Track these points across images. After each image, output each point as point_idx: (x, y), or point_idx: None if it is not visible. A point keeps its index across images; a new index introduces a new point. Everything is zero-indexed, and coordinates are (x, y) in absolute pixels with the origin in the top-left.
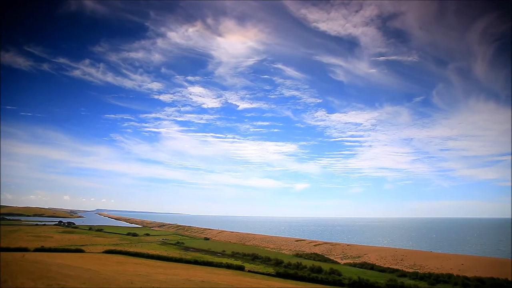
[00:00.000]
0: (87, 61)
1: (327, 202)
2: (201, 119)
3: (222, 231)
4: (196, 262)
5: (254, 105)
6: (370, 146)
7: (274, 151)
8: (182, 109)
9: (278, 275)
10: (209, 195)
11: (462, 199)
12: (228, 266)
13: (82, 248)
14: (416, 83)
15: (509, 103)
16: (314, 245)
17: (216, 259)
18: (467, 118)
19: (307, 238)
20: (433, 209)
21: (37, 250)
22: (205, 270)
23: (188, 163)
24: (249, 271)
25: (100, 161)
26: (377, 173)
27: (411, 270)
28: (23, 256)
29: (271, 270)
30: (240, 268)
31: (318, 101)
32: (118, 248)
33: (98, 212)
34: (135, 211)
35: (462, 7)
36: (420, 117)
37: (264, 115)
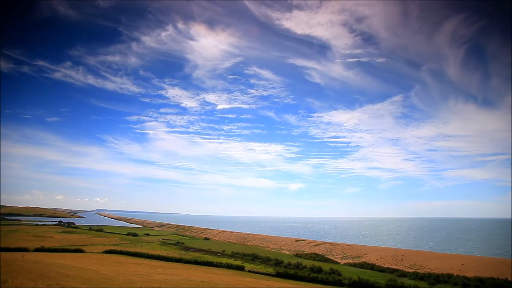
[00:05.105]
0: (68, 63)
1: (324, 202)
2: (183, 119)
3: (222, 231)
4: (196, 262)
5: (233, 105)
6: (357, 146)
7: (261, 151)
8: (163, 110)
9: (278, 275)
10: (206, 195)
11: (458, 199)
12: (228, 266)
13: (82, 248)
14: (394, 85)
15: (488, 105)
16: (314, 245)
17: (216, 259)
18: (450, 118)
19: (307, 238)
20: (429, 209)
21: (37, 250)
22: (205, 270)
23: (180, 163)
24: (249, 271)
25: (94, 162)
26: (369, 173)
27: (411, 270)
28: (23, 256)
29: (271, 270)
30: (240, 268)
31: (297, 102)
32: (118, 248)
33: (98, 212)
34: (135, 211)
35: (424, 12)
36: (403, 118)
37: (246, 116)
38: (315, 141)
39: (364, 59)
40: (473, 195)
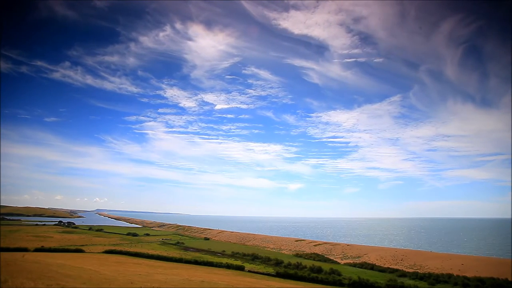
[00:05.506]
0: (66, 63)
1: (324, 202)
2: (182, 119)
3: (222, 231)
4: (196, 262)
5: (231, 105)
6: (356, 146)
7: (260, 151)
8: (162, 110)
9: (278, 275)
10: (205, 195)
11: (458, 199)
12: (228, 266)
13: (82, 248)
14: (393, 85)
15: (486, 105)
16: (314, 245)
17: (216, 259)
18: (449, 118)
19: (307, 238)
20: (429, 209)
21: (37, 250)
22: (205, 270)
23: (179, 163)
24: (249, 271)
25: (93, 162)
26: (368, 173)
27: (411, 270)
28: (23, 256)
29: (271, 270)
30: (240, 268)
31: (296, 102)
32: (118, 248)
33: (98, 212)
34: (134, 211)
35: (421, 13)
36: (402, 118)
37: (244, 116)
38: (314, 141)
39: (362, 59)
40: (473, 195)
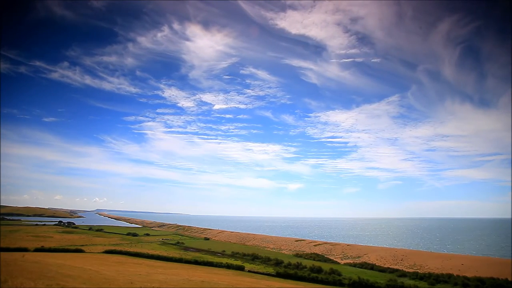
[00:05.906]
0: (65, 63)
1: (324, 202)
2: (180, 119)
3: (222, 231)
4: (196, 262)
5: (230, 105)
6: (355, 146)
7: (259, 152)
8: (160, 110)
9: (278, 275)
10: (205, 195)
11: (458, 199)
12: (228, 266)
13: (82, 248)
14: (391, 85)
15: (484, 105)
16: (314, 245)
17: (216, 259)
18: (447, 118)
19: (307, 238)
20: (429, 209)
21: (37, 250)
22: (205, 270)
23: (178, 163)
24: (249, 271)
25: (92, 162)
26: (368, 172)
27: (411, 270)
28: (23, 256)
29: (271, 270)
30: (240, 268)
31: (294, 102)
32: (118, 248)
33: (98, 212)
34: (134, 211)
35: (418, 13)
36: (400, 118)
37: (243, 116)
38: (312, 141)
39: (360, 59)
40: (472, 195)
